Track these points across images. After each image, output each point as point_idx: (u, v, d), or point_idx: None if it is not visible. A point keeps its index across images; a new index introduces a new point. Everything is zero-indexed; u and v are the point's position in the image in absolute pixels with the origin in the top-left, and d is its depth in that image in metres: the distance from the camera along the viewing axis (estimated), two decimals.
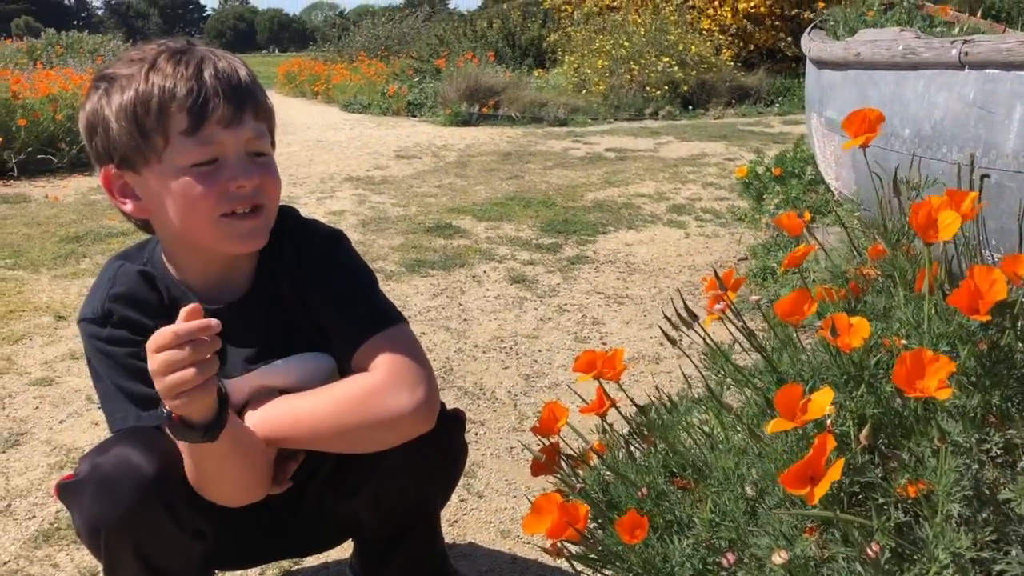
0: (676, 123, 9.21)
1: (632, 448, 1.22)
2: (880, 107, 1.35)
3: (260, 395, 1.19)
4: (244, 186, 1.10)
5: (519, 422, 2.19)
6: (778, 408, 0.87)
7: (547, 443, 1.21)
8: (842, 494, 0.93)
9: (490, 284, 3.37)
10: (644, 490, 1.09)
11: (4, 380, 2.45)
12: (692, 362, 1.23)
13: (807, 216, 1.25)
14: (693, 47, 10.72)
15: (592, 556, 1.07)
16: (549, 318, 2.98)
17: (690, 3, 11.93)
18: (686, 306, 1.20)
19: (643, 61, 10.38)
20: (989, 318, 0.88)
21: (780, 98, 10.65)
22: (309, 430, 1.14)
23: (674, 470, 1.14)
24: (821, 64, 3.24)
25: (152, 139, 1.07)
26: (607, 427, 1.26)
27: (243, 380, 1.19)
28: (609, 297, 3.21)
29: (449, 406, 1.33)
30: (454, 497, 1.78)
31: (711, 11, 11.96)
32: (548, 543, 1.07)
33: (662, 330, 1.28)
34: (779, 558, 0.85)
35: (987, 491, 0.89)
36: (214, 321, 0.95)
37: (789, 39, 11.57)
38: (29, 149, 5.82)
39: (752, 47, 11.96)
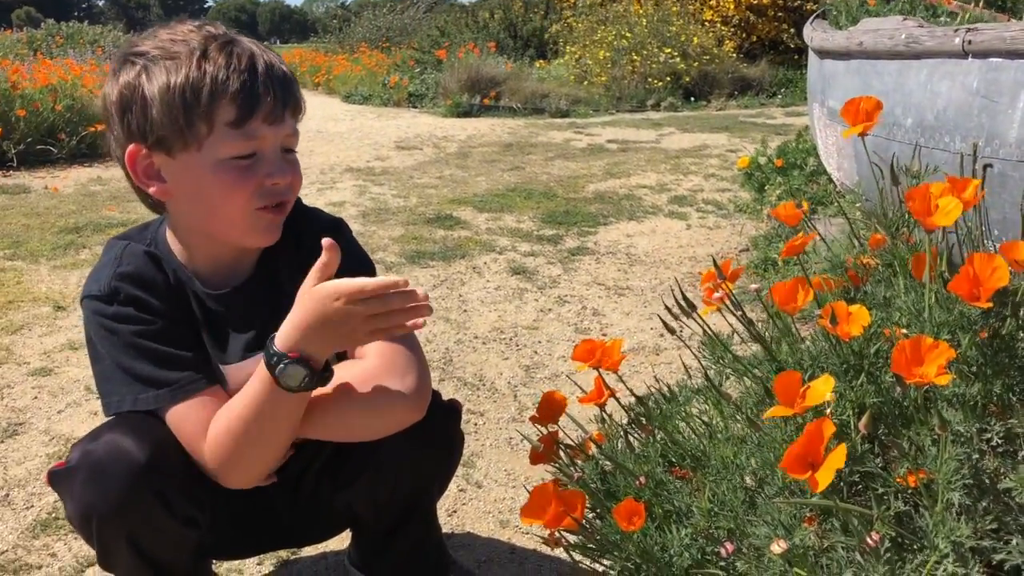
0: (678, 114, 9.19)
1: (631, 438, 1.22)
2: (882, 97, 1.34)
3: None
4: (279, 183, 1.12)
5: (519, 413, 2.18)
6: (777, 395, 0.86)
7: (545, 432, 1.20)
8: (842, 483, 0.92)
9: (490, 275, 3.36)
10: (642, 479, 1.08)
11: (3, 370, 2.45)
12: (692, 352, 1.23)
13: (805, 206, 1.24)
14: (695, 38, 10.68)
15: (590, 546, 1.06)
16: (549, 309, 2.98)
17: None
18: (684, 296, 1.20)
19: (645, 52, 10.34)
20: (990, 305, 0.87)
21: (782, 89, 10.62)
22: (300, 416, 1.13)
23: (673, 460, 1.14)
24: (823, 54, 3.23)
25: (196, 126, 1.07)
26: (606, 417, 1.25)
27: (240, 367, 1.19)
28: (610, 288, 3.21)
29: (449, 396, 1.32)
30: (453, 487, 1.78)
31: (713, 2, 11.92)
32: (547, 533, 1.06)
33: (662, 319, 1.27)
34: (778, 547, 0.84)
35: (987, 480, 0.88)
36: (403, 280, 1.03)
37: (792, 30, 11.53)
38: (29, 140, 5.81)
39: (755, 38, 11.92)
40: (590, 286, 3.23)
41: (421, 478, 1.30)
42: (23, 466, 1.92)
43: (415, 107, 10.01)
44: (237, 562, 1.57)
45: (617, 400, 1.24)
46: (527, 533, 1.66)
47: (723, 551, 0.94)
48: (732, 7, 11.80)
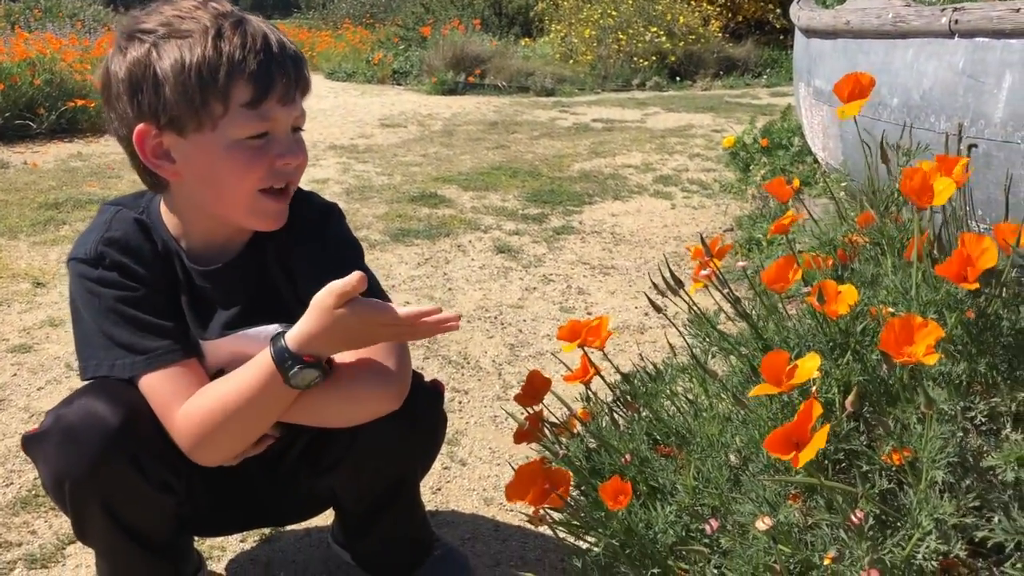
0: (663, 94, 9.16)
1: (616, 416, 1.22)
2: None
3: (235, 361, 1.17)
4: (290, 163, 1.12)
5: (503, 391, 2.18)
6: (764, 373, 0.86)
7: (531, 411, 1.20)
8: (827, 461, 0.93)
9: (475, 254, 3.35)
10: (627, 457, 1.08)
11: None
12: (677, 330, 1.22)
13: (796, 183, 1.24)
14: (681, 17, 10.64)
15: (575, 523, 1.06)
16: (534, 288, 2.97)
17: None
18: (672, 273, 1.19)
19: (631, 31, 10.29)
20: (978, 286, 0.87)
21: (768, 70, 10.60)
22: None
23: (657, 438, 1.14)
24: (810, 33, 3.22)
25: (211, 106, 1.05)
26: (591, 395, 1.25)
27: (218, 344, 1.18)
28: (595, 267, 3.20)
29: (433, 375, 1.32)
30: (437, 464, 1.78)
31: None
32: (531, 510, 1.06)
33: (648, 297, 1.27)
34: (763, 524, 0.85)
35: (971, 458, 0.88)
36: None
37: (778, 10, 11.50)
38: (7, 114, 5.70)
39: (740, 18, 11.88)
40: (575, 265, 3.23)
41: (404, 462, 1.29)
42: (2, 443, 1.90)
43: (399, 84, 9.92)
44: (220, 539, 1.56)
45: (602, 378, 1.24)
46: (511, 510, 1.67)
47: (708, 528, 0.94)
48: None
